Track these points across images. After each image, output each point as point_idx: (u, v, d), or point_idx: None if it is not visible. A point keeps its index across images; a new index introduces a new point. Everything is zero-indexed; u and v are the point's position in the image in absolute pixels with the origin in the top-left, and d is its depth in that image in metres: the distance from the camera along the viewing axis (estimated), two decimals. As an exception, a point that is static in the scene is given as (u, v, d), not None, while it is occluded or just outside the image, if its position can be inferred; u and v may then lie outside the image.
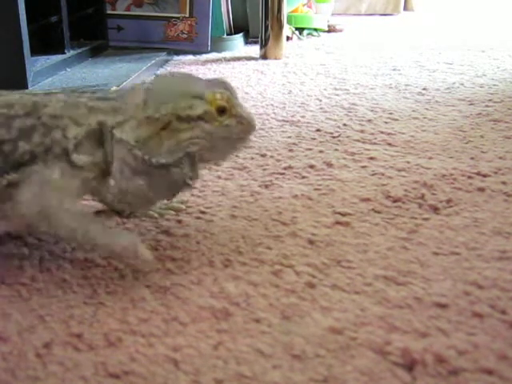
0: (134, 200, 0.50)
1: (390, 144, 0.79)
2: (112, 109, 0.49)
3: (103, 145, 0.49)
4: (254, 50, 1.55)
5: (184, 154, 0.49)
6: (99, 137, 0.49)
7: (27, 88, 0.96)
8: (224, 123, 0.50)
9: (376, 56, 1.48)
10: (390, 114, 0.94)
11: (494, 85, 1.12)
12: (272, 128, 0.87)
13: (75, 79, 1.07)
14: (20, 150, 0.47)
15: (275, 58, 1.45)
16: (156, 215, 0.57)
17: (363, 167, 0.70)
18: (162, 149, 0.49)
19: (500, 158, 0.72)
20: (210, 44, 1.50)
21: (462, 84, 1.14)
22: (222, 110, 0.50)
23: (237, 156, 0.75)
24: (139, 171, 0.49)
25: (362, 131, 0.85)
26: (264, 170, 0.70)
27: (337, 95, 1.07)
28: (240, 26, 1.68)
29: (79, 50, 1.26)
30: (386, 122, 0.89)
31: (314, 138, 0.82)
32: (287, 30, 1.58)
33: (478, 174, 0.67)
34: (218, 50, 1.55)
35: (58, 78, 1.08)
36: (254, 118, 0.53)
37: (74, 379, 0.36)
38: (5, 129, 0.47)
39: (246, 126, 0.52)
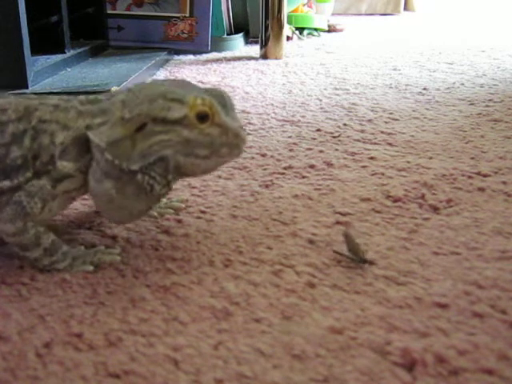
0: (104, 206, 0.48)
1: (390, 144, 0.79)
2: (100, 111, 0.48)
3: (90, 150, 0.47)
4: (255, 49, 1.55)
5: (157, 159, 0.46)
6: (87, 142, 0.47)
7: (27, 88, 0.96)
8: (205, 131, 0.47)
9: (376, 56, 1.48)
10: (391, 113, 0.94)
11: (495, 85, 1.12)
12: (272, 128, 0.87)
13: (75, 79, 1.07)
14: (12, 155, 0.47)
15: (275, 58, 1.45)
16: (156, 215, 0.57)
17: (363, 167, 0.70)
18: (134, 152, 0.46)
19: (500, 157, 0.72)
20: (210, 44, 1.51)
21: (463, 84, 1.14)
22: (202, 117, 0.46)
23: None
24: (109, 175, 0.46)
25: (362, 131, 0.85)
26: (264, 169, 0.70)
27: (337, 95, 1.07)
28: (240, 26, 1.68)
29: (79, 50, 1.26)
30: (386, 122, 0.89)
31: (315, 138, 0.82)
32: (287, 29, 1.58)
33: (479, 173, 0.67)
34: (219, 50, 1.55)
35: (58, 78, 1.08)
36: (243, 132, 0.48)
37: (74, 379, 0.36)
38: None
39: (230, 137, 0.47)
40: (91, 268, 0.48)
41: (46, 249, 0.47)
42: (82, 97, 0.51)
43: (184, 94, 0.47)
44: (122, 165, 0.46)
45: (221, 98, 0.48)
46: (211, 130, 0.47)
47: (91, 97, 0.50)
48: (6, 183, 0.47)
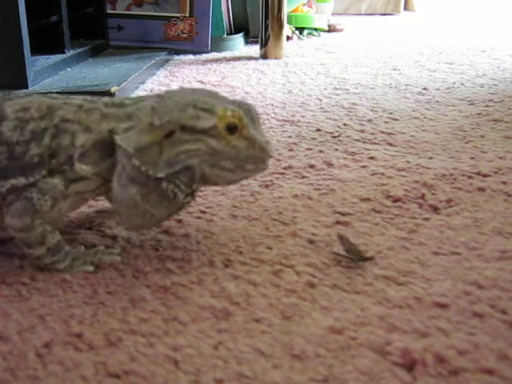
0: (126, 211, 0.47)
1: (390, 144, 0.79)
2: (126, 115, 0.48)
3: (113, 154, 0.47)
4: (254, 49, 1.55)
5: (183, 168, 0.46)
6: (109, 145, 0.47)
7: (27, 88, 0.96)
8: (232, 143, 0.47)
9: (376, 56, 1.48)
10: (391, 113, 0.94)
11: (495, 84, 1.12)
12: (272, 128, 0.87)
13: (75, 79, 1.07)
14: (30, 152, 0.47)
15: (275, 58, 1.45)
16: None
17: (363, 167, 0.70)
18: (160, 159, 0.46)
19: (500, 157, 0.72)
20: (210, 44, 1.51)
21: (463, 84, 1.14)
22: (231, 129, 0.47)
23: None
24: (135, 181, 0.46)
25: (362, 131, 0.85)
26: (264, 169, 0.70)
27: (337, 95, 1.07)
28: (240, 26, 1.68)
29: (79, 50, 1.26)
30: (386, 122, 0.89)
31: (314, 138, 0.82)
32: (287, 29, 1.58)
33: (479, 173, 0.67)
34: (219, 50, 1.55)
35: (58, 78, 1.08)
36: (270, 146, 0.48)
37: (74, 379, 0.36)
38: (19, 131, 0.47)
39: (256, 151, 0.48)
40: (91, 268, 0.48)
41: (50, 248, 0.47)
42: (106, 99, 0.50)
43: (214, 104, 0.47)
44: (149, 171, 0.45)
45: (248, 112, 0.48)
46: (239, 143, 0.47)
47: (117, 100, 0.50)
48: (22, 180, 0.46)
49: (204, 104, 0.47)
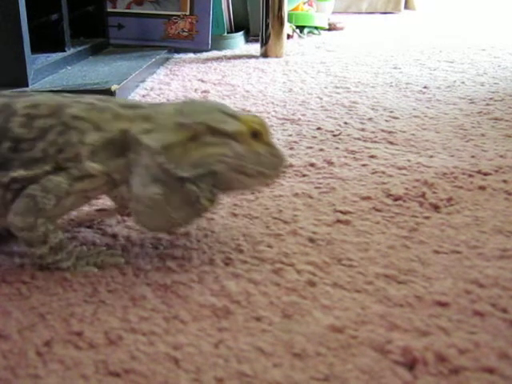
0: (145, 211, 0.47)
1: (390, 142, 0.79)
2: (141, 117, 0.48)
3: (122, 154, 0.47)
4: (255, 48, 1.55)
5: (207, 172, 0.47)
6: (119, 146, 0.47)
7: (28, 86, 0.96)
8: (255, 149, 0.48)
9: (377, 54, 1.48)
10: (391, 112, 0.94)
11: (495, 83, 1.12)
12: (273, 126, 0.87)
13: (76, 77, 1.07)
14: (35, 149, 0.47)
15: (276, 56, 1.45)
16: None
17: (364, 165, 0.70)
18: (186, 160, 0.46)
19: (501, 156, 0.72)
20: (210, 42, 1.50)
21: (463, 82, 1.14)
22: (255, 134, 0.48)
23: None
24: (158, 179, 0.46)
25: (362, 129, 0.85)
26: (265, 168, 0.70)
27: (337, 93, 1.07)
28: (241, 24, 1.68)
29: (80, 48, 1.26)
30: (386, 121, 0.89)
31: (315, 137, 0.82)
32: (288, 28, 1.58)
33: (479, 172, 0.67)
34: (219, 48, 1.55)
35: (58, 76, 1.08)
36: (285, 155, 0.50)
37: (74, 377, 0.36)
38: (27, 128, 0.47)
39: (278, 159, 0.49)
40: (95, 270, 0.48)
41: (52, 247, 0.47)
42: (120, 99, 0.50)
43: (236, 111, 0.49)
44: (174, 170, 0.46)
45: (264, 122, 0.50)
46: (261, 149, 0.48)
47: (131, 101, 0.50)
48: (23, 172, 0.46)
49: (229, 110, 0.49)
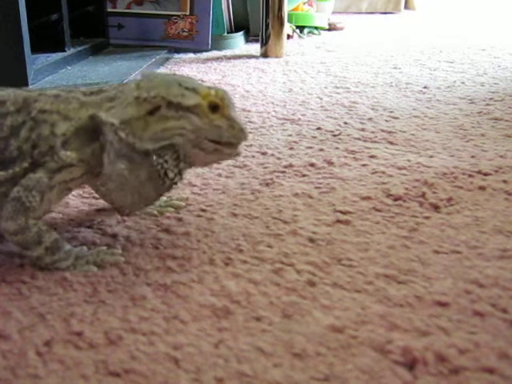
0: (116, 189, 0.48)
1: (390, 142, 0.79)
2: (106, 99, 0.48)
3: (96, 139, 0.48)
4: (255, 48, 1.55)
5: (168, 145, 0.47)
6: (90, 132, 0.48)
7: (27, 86, 0.96)
8: (214, 122, 0.48)
9: (377, 54, 1.48)
10: (391, 112, 0.94)
11: (495, 83, 1.12)
12: (273, 126, 0.87)
13: (76, 77, 1.07)
14: (10, 147, 0.47)
15: (276, 57, 1.45)
16: (156, 213, 0.57)
17: (364, 165, 0.70)
18: (146, 133, 0.47)
19: (501, 156, 0.72)
20: (210, 42, 1.50)
21: (463, 82, 1.14)
22: (214, 108, 0.48)
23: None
24: (122, 154, 0.47)
25: (362, 129, 0.85)
26: (265, 168, 0.70)
27: (337, 93, 1.07)
28: (241, 24, 1.68)
29: (80, 48, 1.26)
30: (386, 121, 0.89)
31: (315, 137, 0.82)
32: (288, 28, 1.58)
33: (479, 172, 0.67)
34: (219, 48, 1.55)
35: (58, 76, 1.08)
36: (247, 128, 0.50)
37: (74, 377, 0.36)
38: None
39: (237, 131, 0.49)
40: (95, 269, 0.48)
41: (48, 247, 0.47)
42: (84, 88, 0.51)
43: (198, 85, 0.49)
44: (135, 144, 0.46)
45: (226, 96, 0.49)
46: (220, 122, 0.48)
47: (95, 87, 0.51)
48: (3, 174, 0.47)
49: (188, 83, 0.48)
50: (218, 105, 0.48)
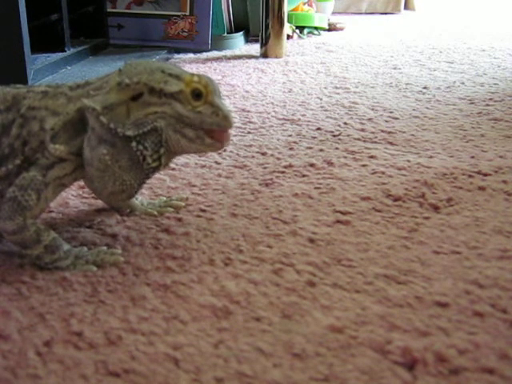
0: (97, 175, 0.48)
1: (390, 143, 0.79)
2: (92, 90, 0.49)
3: (84, 131, 0.48)
4: (255, 48, 1.54)
5: (150, 129, 0.47)
6: (78, 124, 0.48)
7: (27, 86, 0.96)
8: (197, 109, 0.48)
9: (376, 55, 1.48)
10: (391, 112, 0.94)
11: (495, 84, 1.12)
12: (272, 126, 0.87)
13: (75, 77, 1.07)
14: (2, 145, 0.48)
15: (276, 57, 1.45)
16: (156, 213, 0.57)
17: (364, 166, 0.70)
18: (128, 119, 0.47)
19: (500, 156, 0.72)
20: (210, 42, 1.50)
21: (463, 83, 1.14)
22: (197, 95, 0.47)
23: (237, 154, 0.75)
24: (104, 140, 0.47)
25: (362, 130, 0.85)
26: (264, 168, 0.70)
27: (337, 94, 1.07)
28: (240, 25, 1.68)
29: (79, 48, 1.26)
30: (386, 121, 0.89)
31: (315, 137, 0.82)
32: (288, 28, 1.58)
33: (479, 172, 0.67)
34: (219, 49, 1.54)
35: (58, 76, 1.08)
36: (232, 115, 0.49)
37: (74, 377, 0.36)
38: None
39: (220, 118, 0.48)
40: (95, 269, 0.48)
41: (47, 246, 0.47)
42: (71, 83, 0.51)
43: (181, 72, 0.49)
44: (117, 129, 0.46)
45: (210, 82, 0.49)
46: (203, 109, 0.48)
47: (81, 81, 0.51)
48: None
49: (171, 70, 0.49)
50: (201, 92, 0.48)
